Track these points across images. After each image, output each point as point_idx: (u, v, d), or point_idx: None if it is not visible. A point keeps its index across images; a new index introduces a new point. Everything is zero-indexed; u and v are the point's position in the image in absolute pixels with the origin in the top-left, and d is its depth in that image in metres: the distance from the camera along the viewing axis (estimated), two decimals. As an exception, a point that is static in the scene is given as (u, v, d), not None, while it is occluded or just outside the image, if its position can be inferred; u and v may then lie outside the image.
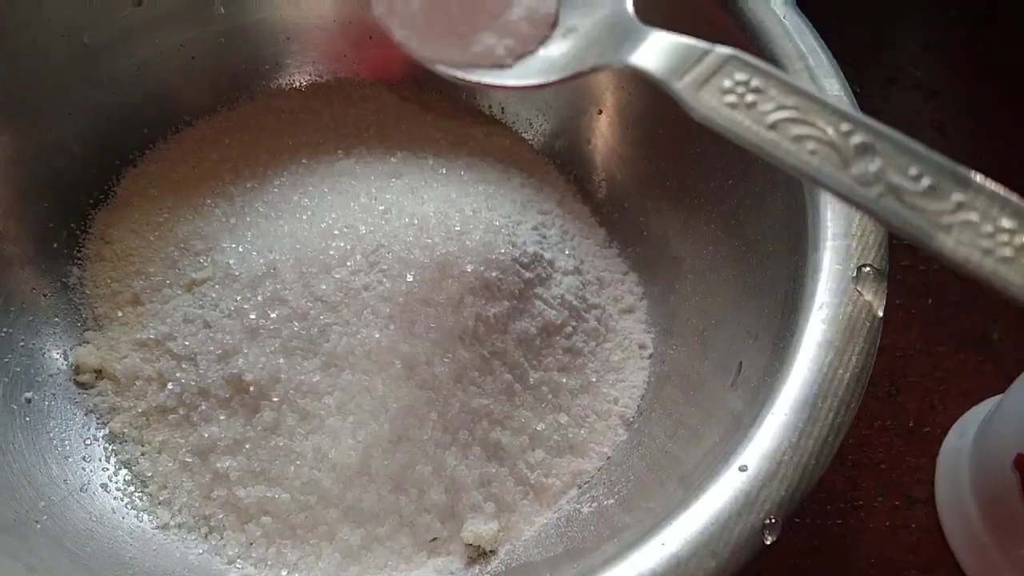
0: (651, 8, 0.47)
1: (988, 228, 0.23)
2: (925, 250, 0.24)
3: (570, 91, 0.53)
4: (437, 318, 0.43)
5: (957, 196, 0.24)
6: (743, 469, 0.33)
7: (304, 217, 0.47)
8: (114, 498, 0.42)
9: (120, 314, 0.47)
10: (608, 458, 0.44)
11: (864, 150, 0.25)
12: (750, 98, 0.27)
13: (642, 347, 0.47)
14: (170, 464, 0.43)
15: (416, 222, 0.45)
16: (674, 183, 0.49)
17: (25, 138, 0.48)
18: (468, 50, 0.36)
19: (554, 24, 0.37)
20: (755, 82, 0.28)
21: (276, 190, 0.50)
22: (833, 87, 0.42)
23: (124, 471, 0.43)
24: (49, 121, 0.49)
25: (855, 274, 0.37)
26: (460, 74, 0.36)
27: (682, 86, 0.29)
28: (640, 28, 0.33)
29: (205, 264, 0.47)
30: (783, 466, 0.33)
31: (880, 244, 0.38)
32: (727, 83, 0.28)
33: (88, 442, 0.44)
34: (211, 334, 0.45)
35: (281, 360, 0.43)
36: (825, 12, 0.46)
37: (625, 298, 0.49)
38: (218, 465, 0.42)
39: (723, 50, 0.29)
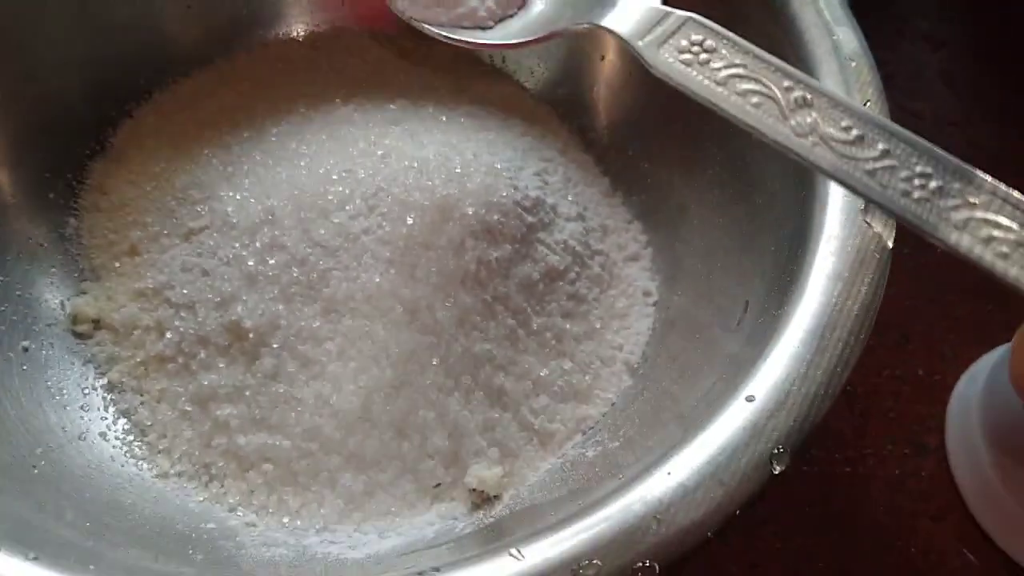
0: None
1: (906, 173, 0.26)
2: (854, 193, 0.28)
3: (572, 38, 0.52)
4: (438, 261, 0.42)
5: (882, 145, 0.27)
6: (750, 399, 0.32)
7: (302, 164, 0.46)
8: (113, 447, 0.42)
9: (117, 265, 0.47)
10: (613, 404, 0.43)
11: (802, 104, 0.28)
12: (704, 56, 0.30)
13: (647, 294, 0.47)
14: (169, 413, 0.42)
15: (416, 165, 0.44)
16: (678, 128, 0.48)
17: (20, 87, 0.47)
18: (453, 11, 0.39)
19: None
20: (709, 42, 0.31)
21: (274, 139, 0.49)
22: (858, 52, 0.41)
23: (123, 420, 0.43)
24: (44, 71, 0.48)
25: (863, 206, 0.36)
26: (445, 32, 0.39)
27: (643, 44, 0.32)
28: None
29: (203, 213, 0.47)
30: (791, 396, 0.32)
31: (890, 177, 0.37)
32: (684, 42, 0.31)
33: (87, 391, 0.43)
34: (209, 282, 0.44)
35: (280, 307, 0.42)
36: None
37: (629, 246, 0.48)
38: (218, 413, 0.41)
39: (681, 13, 0.32)
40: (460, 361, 0.41)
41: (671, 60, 0.31)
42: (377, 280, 0.42)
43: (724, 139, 0.45)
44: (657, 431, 0.37)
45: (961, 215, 0.25)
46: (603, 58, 0.52)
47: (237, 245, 0.44)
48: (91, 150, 0.50)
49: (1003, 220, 0.25)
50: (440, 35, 0.39)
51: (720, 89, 0.30)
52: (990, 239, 0.25)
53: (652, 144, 0.50)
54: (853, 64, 0.40)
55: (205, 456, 0.42)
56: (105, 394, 0.43)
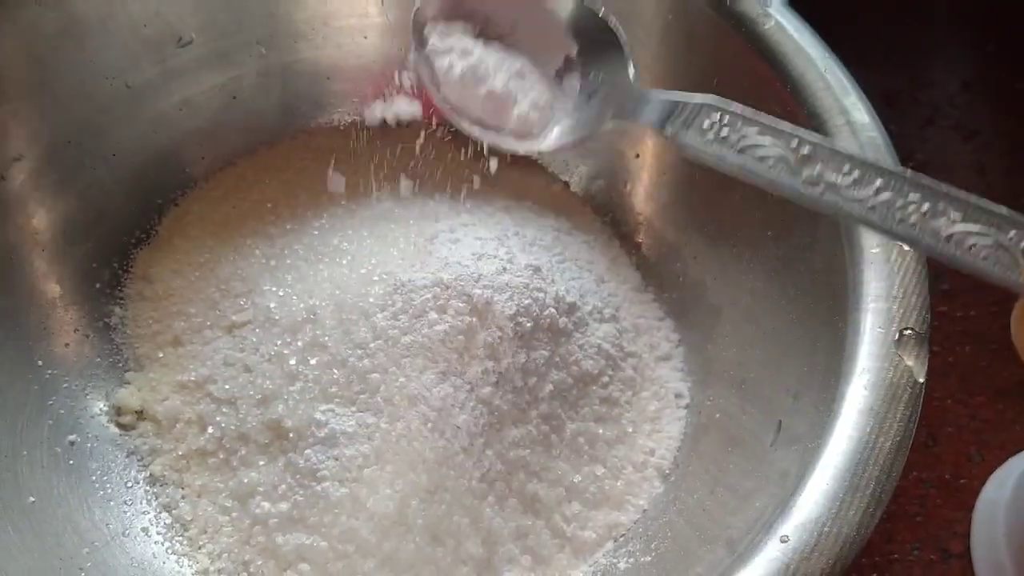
0: (698, 62, 0.48)
1: (900, 202, 0.29)
2: (861, 225, 0.32)
3: (608, 134, 0.53)
4: (474, 367, 0.43)
5: (877, 182, 0.30)
6: (784, 540, 0.33)
7: (344, 262, 0.47)
8: (155, 543, 0.43)
9: (161, 355, 0.48)
10: (644, 511, 0.44)
11: (807, 159, 0.31)
12: (723, 134, 0.34)
13: (678, 396, 0.47)
14: (210, 508, 0.44)
15: (454, 270, 0.45)
16: (713, 230, 0.49)
17: (70, 179, 0.48)
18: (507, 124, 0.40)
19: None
20: (724, 119, 0.34)
21: (316, 232, 0.50)
22: (876, 140, 0.42)
23: (164, 515, 0.44)
24: (93, 162, 0.49)
25: (897, 338, 0.36)
26: (505, 145, 0.40)
27: (672, 130, 0.35)
28: (639, 91, 0.38)
29: (245, 306, 0.48)
30: (824, 537, 0.33)
31: (922, 307, 0.37)
32: (705, 124, 0.34)
33: (129, 485, 0.44)
34: (251, 378, 0.45)
35: (320, 407, 0.43)
36: (863, 51, 0.46)
37: (661, 345, 0.49)
38: (257, 511, 0.43)
39: (699, 99, 0.34)
40: (495, 467, 0.42)
41: (697, 140, 0.34)
42: (415, 384, 0.43)
43: (758, 248, 0.46)
44: (692, 557, 0.38)
45: (947, 230, 0.28)
46: (637, 156, 0.53)
47: (279, 343, 0.45)
48: (136, 239, 0.51)
49: (978, 228, 0.28)
50: (501, 148, 0.40)
51: (741, 158, 0.33)
52: (972, 247, 0.28)
53: (685, 243, 0.51)
54: None
55: (244, 553, 0.43)
56: (147, 487, 0.45)
